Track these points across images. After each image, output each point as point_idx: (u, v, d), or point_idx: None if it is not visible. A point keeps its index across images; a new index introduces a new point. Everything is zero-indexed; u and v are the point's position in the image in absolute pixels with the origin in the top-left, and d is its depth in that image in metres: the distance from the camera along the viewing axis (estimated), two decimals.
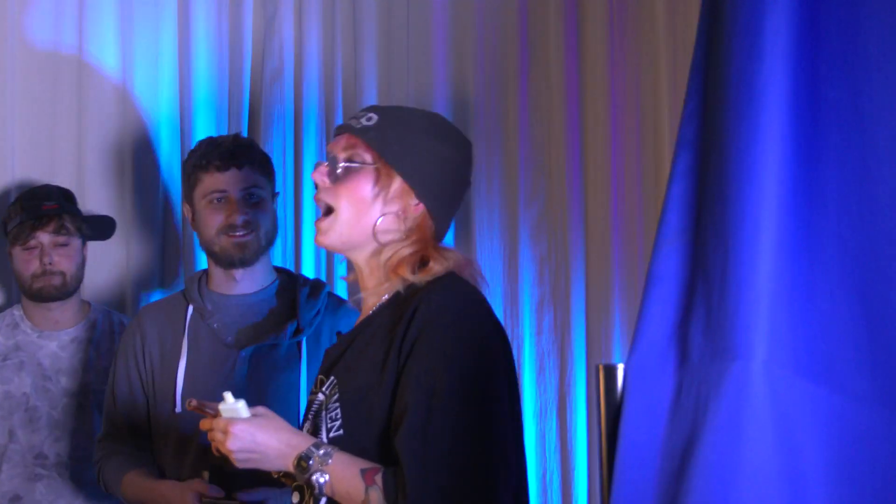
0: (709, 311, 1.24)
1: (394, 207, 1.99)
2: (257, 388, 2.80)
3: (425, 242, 1.99)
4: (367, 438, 1.91)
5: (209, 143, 2.90)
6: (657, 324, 1.29)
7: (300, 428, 2.05)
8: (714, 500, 1.18)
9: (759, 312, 1.19)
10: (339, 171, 2.00)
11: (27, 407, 3.14)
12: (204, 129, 3.58)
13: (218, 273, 2.91)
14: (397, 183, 1.99)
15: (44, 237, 3.14)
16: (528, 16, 3.52)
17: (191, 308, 2.89)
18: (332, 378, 1.99)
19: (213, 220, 2.84)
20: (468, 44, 3.58)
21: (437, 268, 1.95)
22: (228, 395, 1.96)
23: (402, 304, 1.94)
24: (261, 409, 1.98)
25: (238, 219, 2.81)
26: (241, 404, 1.95)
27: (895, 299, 1.18)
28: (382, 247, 1.99)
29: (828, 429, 1.19)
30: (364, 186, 1.99)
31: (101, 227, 3.32)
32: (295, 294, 2.89)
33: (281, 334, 2.83)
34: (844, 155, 1.21)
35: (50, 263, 3.13)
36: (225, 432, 1.92)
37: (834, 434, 1.18)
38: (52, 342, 3.20)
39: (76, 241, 3.18)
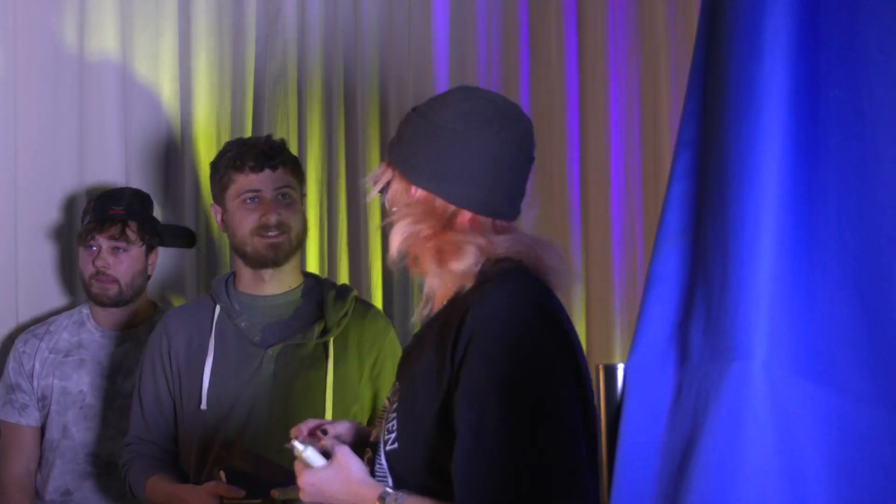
0: (709, 311, 1.24)
1: (400, 205, 1.92)
2: (283, 386, 2.82)
3: (433, 230, 1.87)
4: (418, 455, 1.82)
5: (242, 143, 2.92)
6: (657, 324, 1.29)
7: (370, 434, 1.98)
8: (714, 500, 1.18)
9: (759, 312, 1.19)
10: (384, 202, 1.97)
11: (82, 405, 3.18)
12: (206, 130, 3.58)
13: (247, 274, 2.93)
14: (396, 178, 1.94)
15: (102, 241, 3.16)
16: (528, 16, 3.52)
17: (218, 308, 2.91)
18: (397, 384, 1.92)
19: (247, 221, 2.86)
20: (469, 45, 3.59)
21: (457, 265, 1.84)
22: (297, 444, 1.87)
23: (458, 305, 1.84)
24: (338, 453, 1.86)
25: (272, 219, 2.84)
26: (310, 452, 1.86)
27: (895, 299, 1.18)
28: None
29: (828, 429, 1.19)
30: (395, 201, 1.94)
31: (181, 237, 3.35)
32: (322, 296, 2.91)
33: (308, 334, 2.85)
34: (844, 155, 1.21)
35: (104, 266, 3.15)
36: (298, 482, 1.87)
37: (834, 434, 1.18)
38: (114, 342, 3.23)
39: (136, 249, 3.20)
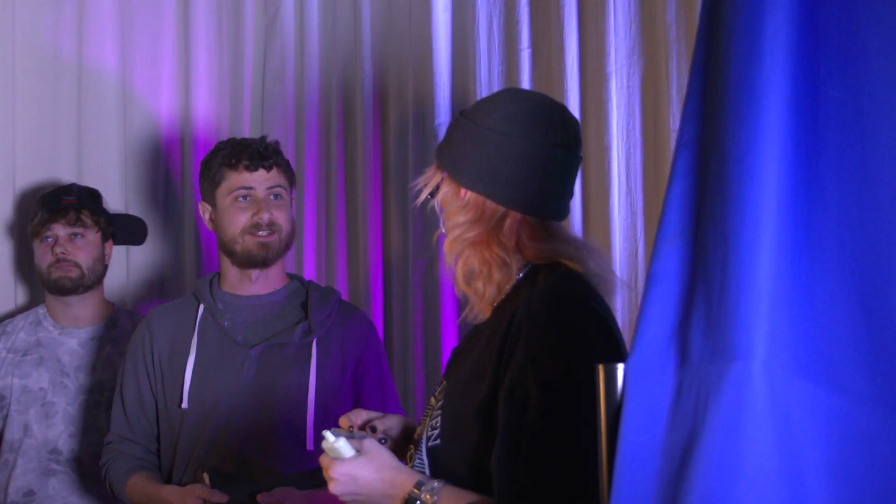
0: (709, 311, 1.24)
1: (450, 208, 1.97)
2: (265, 386, 2.81)
3: (484, 235, 1.91)
4: (459, 452, 1.85)
5: (236, 143, 2.93)
6: (657, 324, 1.29)
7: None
8: (714, 500, 1.17)
9: (759, 312, 1.19)
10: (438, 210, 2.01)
11: (44, 402, 3.16)
12: (205, 130, 3.58)
13: (233, 273, 2.92)
14: (446, 181, 1.98)
15: (59, 229, 3.17)
16: (529, 16, 3.51)
17: (202, 307, 2.90)
18: (445, 383, 1.96)
19: (238, 219, 2.86)
20: (470, 44, 3.58)
21: (500, 276, 1.90)
22: (329, 435, 1.86)
23: (507, 308, 1.88)
24: (367, 444, 1.87)
25: (264, 217, 2.84)
26: (342, 443, 1.85)
27: (895, 299, 1.18)
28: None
29: (828, 429, 1.19)
30: (451, 208, 1.98)
31: (132, 229, 3.35)
32: (306, 297, 2.90)
33: (292, 334, 2.84)
34: (844, 155, 1.21)
35: (63, 253, 3.15)
36: (326, 474, 1.85)
37: (834, 434, 1.18)
38: (73, 339, 3.22)
39: (93, 235, 3.21)
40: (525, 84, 3.51)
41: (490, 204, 1.92)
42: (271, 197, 2.87)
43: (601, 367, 1.34)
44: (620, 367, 1.32)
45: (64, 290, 3.19)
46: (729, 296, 1.21)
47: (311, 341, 2.84)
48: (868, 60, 1.20)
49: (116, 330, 3.25)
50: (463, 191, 1.94)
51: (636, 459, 1.26)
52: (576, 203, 3.42)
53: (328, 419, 2.81)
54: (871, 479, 1.17)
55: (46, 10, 3.49)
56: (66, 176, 3.47)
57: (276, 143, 2.97)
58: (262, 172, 2.86)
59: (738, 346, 1.19)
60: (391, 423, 2.09)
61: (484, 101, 2.02)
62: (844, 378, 1.19)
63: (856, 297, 1.19)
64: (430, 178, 2.00)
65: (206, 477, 2.66)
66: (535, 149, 1.91)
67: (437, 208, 2.00)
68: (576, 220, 3.42)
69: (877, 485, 1.17)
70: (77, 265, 3.18)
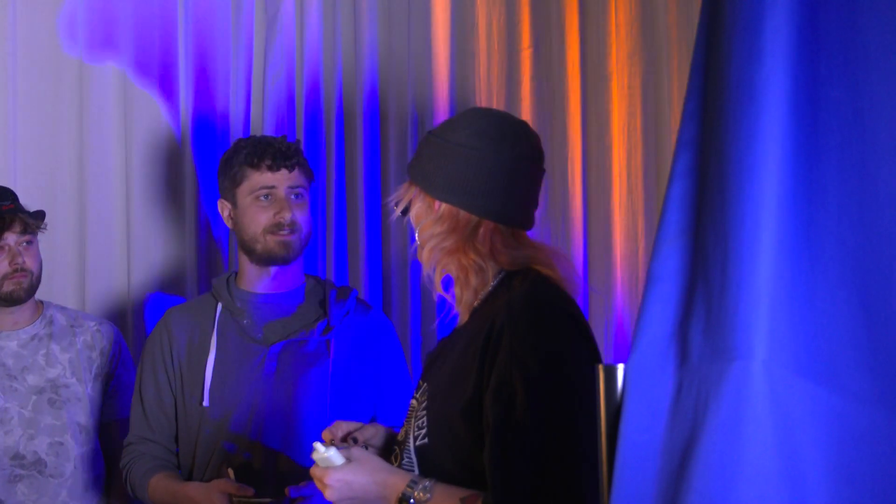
0: (709, 311, 1.24)
1: (425, 221, 2.05)
2: (285, 383, 2.83)
3: (459, 243, 2.01)
4: (447, 449, 1.93)
5: (258, 141, 2.94)
6: (657, 324, 1.29)
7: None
8: (714, 500, 1.18)
9: (759, 312, 1.19)
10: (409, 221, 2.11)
11: None
12: (205, 129, 3.58)
13: (251, 271, 2.93)
14: (418, 196, 2.07)
15: (11, 238, 3.09)
16: (530, 16, 3.52)
17: (220, 306, 2.92)
18: (425, 384, 2.03)
19: (260, 218, 2.88)
20: (470, 44, 3.59)
21: (477, 281, 1.99)
22: (319, 446, 1.95)
23: (486, 312, 1.97)
24: (355, 452, 1.96)
25: (286, 217, 2.86)
26: (333, 452, 1.94)
27: (895, 299, 1.18)
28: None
29: (828, 429, 1.19)
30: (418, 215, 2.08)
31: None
32: (324, 295, 2.93)
33: (311, 331, 2.86)
34: (844, 155, 1.21)
35: (23, 263, 3.09)
36: (321, 484, 1.93)
37: (834, 434, 1.18)
38: (13, 342, 3.15)
39: (36, 240, 3.15)
40: (525, 84, 3.51)
41: (464, 214, 2.02)
42: (292, 196, 2.89)
43: (601, 367, 1.34)
44: (620, 367, 1.32)
45: (17, 301, 3.12)
46: (729, 296, 1.21)
47: (330, 338, 2.86)
48: (868, 60, 1.20)
49: (54, 327, 3.18)
50: (437, 203, 2.04)
51: (636, 459, 1.26)
52: (577, 203, 3.43)
53: (347, 415, 2.82)
54: (871, 479, 1.17)
55: (47, 6, 3.49)
56: (67, 175, 3.47)
57: (298, 142, 2.99)
58: (284, 172, 2.88)
59: (738, 346, 1.19)
60: (371, 433, 2.18)
61: (451, 120, 2.13)
62: (844, 378, 1.19)
63: (856, 297, 1.19)
64: (404, 195, 2.09)
65: (230, 472, 2.68)
66: (504, 161, 2.02)
67: (412, 222, 2.09)
68: (577, 219, 3.43)
69: (877, 485, 1.17)
70: (30, 274, 3.11)
